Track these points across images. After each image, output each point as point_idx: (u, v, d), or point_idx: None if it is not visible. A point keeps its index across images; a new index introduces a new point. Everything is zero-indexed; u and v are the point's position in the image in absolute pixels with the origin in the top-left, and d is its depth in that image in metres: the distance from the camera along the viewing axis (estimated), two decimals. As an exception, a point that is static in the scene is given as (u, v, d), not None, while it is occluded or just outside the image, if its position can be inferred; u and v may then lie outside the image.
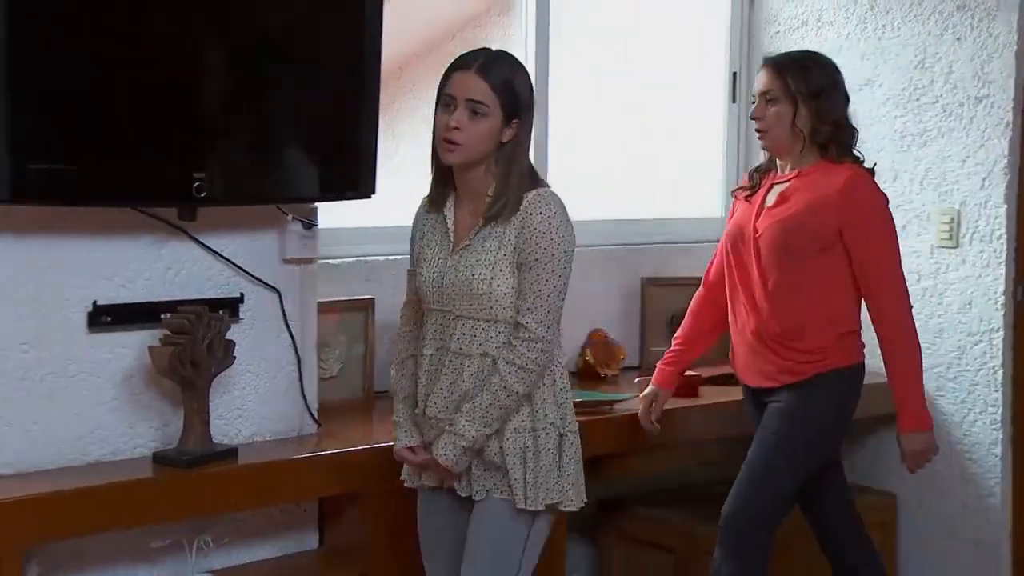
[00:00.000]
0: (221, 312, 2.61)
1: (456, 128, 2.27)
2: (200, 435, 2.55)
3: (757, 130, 2.84)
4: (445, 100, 2.31)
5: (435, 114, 2.33)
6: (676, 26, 4.03)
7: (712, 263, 3.03)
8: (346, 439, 2.81)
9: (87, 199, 2.47)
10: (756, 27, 3.99)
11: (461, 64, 2.32)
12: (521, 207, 2.30)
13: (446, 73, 2.33)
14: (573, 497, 2.38)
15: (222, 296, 2.69)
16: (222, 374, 2.61)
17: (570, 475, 2.37)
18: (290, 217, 2.76)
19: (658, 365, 3.04)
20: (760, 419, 2.86)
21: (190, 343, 2.51)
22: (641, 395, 3.01)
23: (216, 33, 2.54)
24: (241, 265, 2.72)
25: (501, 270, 2.30)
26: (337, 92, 2.69)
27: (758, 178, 2.90)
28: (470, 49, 2.40)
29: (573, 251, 2.34)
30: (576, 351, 3.54)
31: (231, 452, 2.59)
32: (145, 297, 2.60)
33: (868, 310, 2.80)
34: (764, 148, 2.89)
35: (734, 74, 3.98)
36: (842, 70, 2.87)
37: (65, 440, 2.52)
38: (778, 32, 3.92)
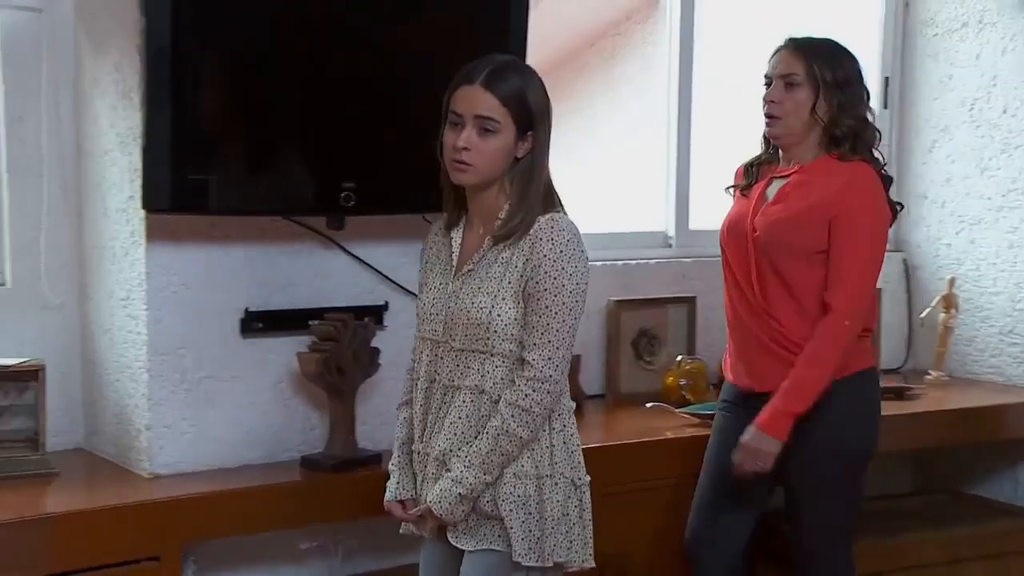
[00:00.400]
0: (366, 320, 2.66)
1: (465, 148, 2.08)
2: (346, 440, 2.60)
3: (769, 115, 2.59)
4: (452, 118, 2.11)
5: (441, 132, 2.13)
6: (825, 29, 3.91)
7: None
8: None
9: (241, 209, 2.55)
10: (911, 29, 3.83)
11: (465, 78, 2.10)
12: (531, 231, 2.09)
13: (450, 87, 2.13)
14: (582, 555, 2.16)
15: (368, 304, 2.73)
16: (367, 380, 2.65)
17: (581, 531, 2.16)
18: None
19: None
20: (730, 425, 2.63)
21: (337, 350, 2.56)
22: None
23: (365, 44, 2.59)
24: (386, 273, 2.77)
25: (504, 299, 2.09)
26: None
27: (755, 171, 2.68)
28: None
29: (586, 285, 2.12)
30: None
31: (375, 457, 2.62)
32: (294, 304, 2.67)
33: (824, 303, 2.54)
34: (772, 136, 2.63)
35: (886, 79, 3.84)
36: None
37: (219, 442, 2.60)
38: (936, 35, 3.76)
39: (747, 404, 2.62)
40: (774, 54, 2.63)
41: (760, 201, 2.62)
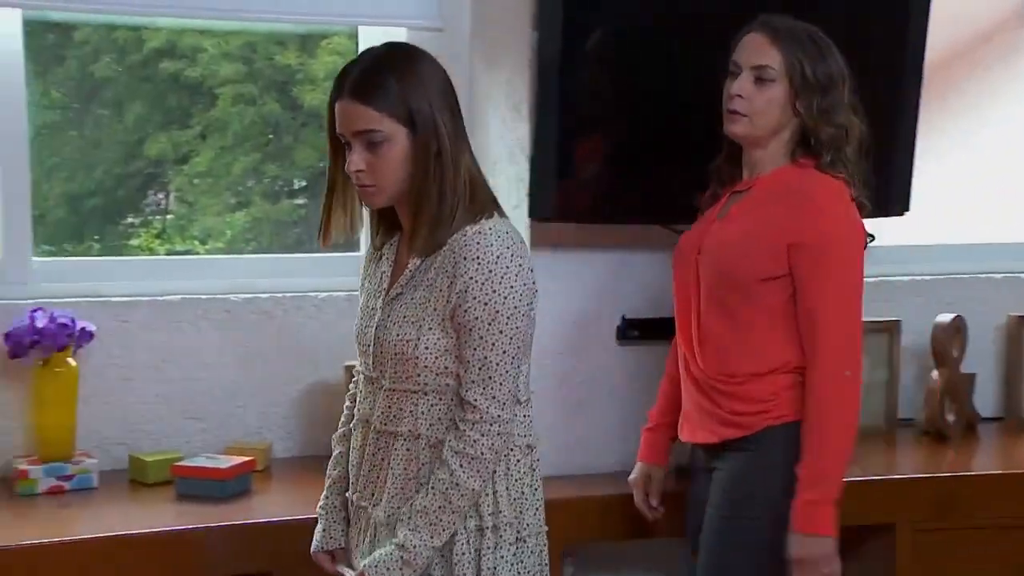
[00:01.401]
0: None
1: (360, 171, 1.80)
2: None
3: (732, 111, 2.13)
4: (341, 140, 1.83)
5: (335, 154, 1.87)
6: None
7: None
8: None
9: (622, 218, 2.57)
10: None
11: (338, 90, 1.81)
12: (452, 247, 1.78)
13: (331, 106, 1.83)
14: None
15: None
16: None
17: None
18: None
19: (643, 432, 2.39)
20: (700, 487, 2.22)
21: (714, 360, 2.51)
22: (630, 480, 2.39)
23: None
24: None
25: (430, 328, 1.79)
26: (874, 104, 2.56)
27: (716, 186, 2.25)
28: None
29: (529, 303, 1.79)
30: None
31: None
32: (671, 313, 2.65)
33: (806, 369, 2.07)
34: (732, 134, 2.16)
35: None
36: None
37: (593, 447, 2.64)
38: None
39: (701, 458, 2.22)
40: (743, 35, 2.16)
41: (713, 219, 2.20)
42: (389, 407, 1.85)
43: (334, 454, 2.01)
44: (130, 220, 3.38)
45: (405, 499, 1.83)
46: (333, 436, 2.03)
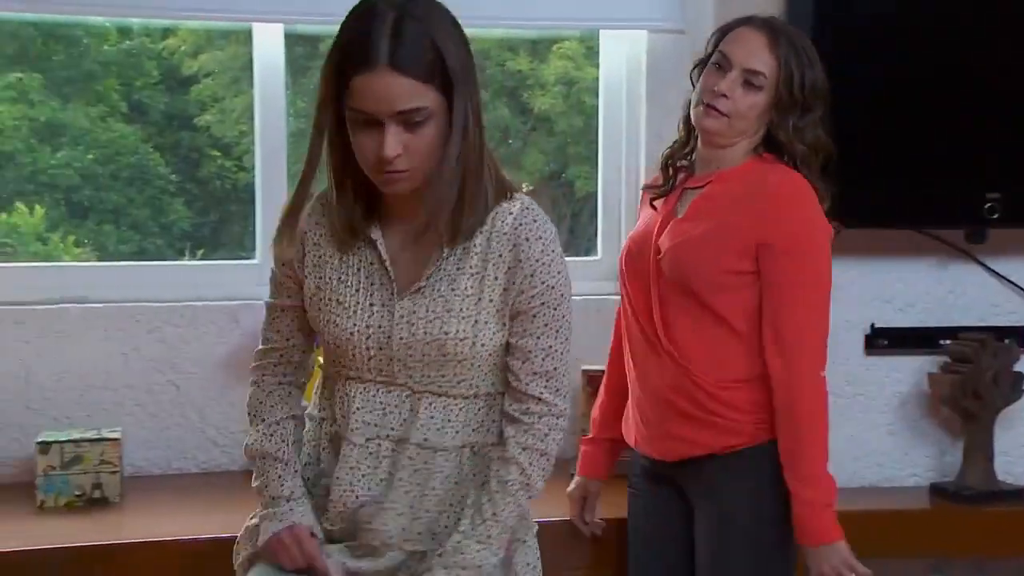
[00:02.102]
0: (1007, 341, 2.44)
1: (398, 156, 1.52)
2: (983, 471, 2.41)
3: (712, 107, 1.96)
4: (361, 118, 1.51)
5: (352, 134, 1.54)
6: None
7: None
8: None
9: (874, 222, 2.47)
10: None
11: (364, 59, 1.48)
12: (497, 226, 1.59)
13: (345, 77, 1.49)
14: None
15: (1008, 324, 2.52)
16: (1008, 407, 2.43)
17: None
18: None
19: (581, 445, 2.21)
20: (654, 507, 2.05)
21: (973, 373, 2.39)
22: (568, 493, 2.19)
23: (1011, 49, 2.39)
24: (1030, 292, 2.54)
25: (487, 323, 1.60)
26: None
27: (673, 176, 2.06)
28: None
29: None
30: None
31: (1016, 493, 2.40)
32: (923, 322, 2.54)
33: (771, 370, 1.92)
34: (707, 129, 1.98)
35: None
36: None
37: (840, 460, 2.53)
38: None
39: (662, 477, 2.05)
40: (736, 28, 2.00)
41: (669, 216, 2.03)
42: (433, 418, 1.62)
43: (263, 439, 1.70)
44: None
45: (442, 523, 1.63)
46: (254, 424, 1.71)
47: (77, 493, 2.33)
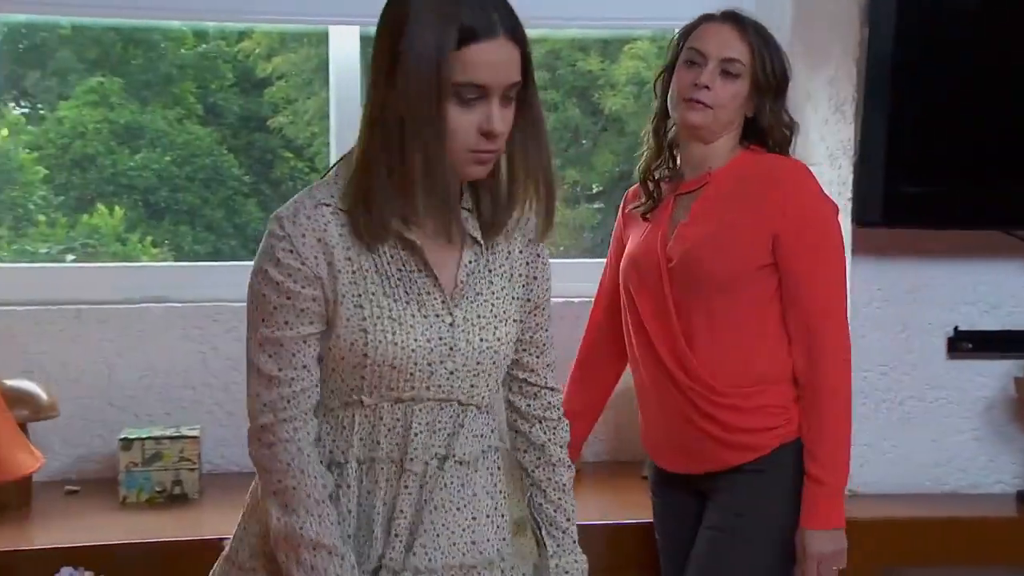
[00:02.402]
0: (1097, 345, 2.38)
1: (497, 133, 1.40)
2: (1072, 479, 2.34)
3: (695, 100, 1.95)
4: (467, 92, 1.39)
5: (446, 113, 1.38)
6: None
7: (599, 297, 2.20)
8: None
9: (957, 222, 2.42)
10: None
11: (486, 28, 1.38)
12: (516, 221, 1.49)
13: (449, 50, 1.37)
14: None
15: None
16: (1098, 414, 2.37)
17: None
18: None
19: None
20: (673, 513, 2.05)
21: (1062, 377, 2.32)
22: None
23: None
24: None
25: (511, 321, 1.52)
26: None
27: (655, 189, 2.05)
28: None
29: None
30: None
31: (1107, 502, 2.34)
32: (1009, 324, 2.48)
33: (794, 352, 1.93)
34: (692, 124, 1.96)
35: None
36: None
37: (922, 466, 2.50)
38: None
39: (678, 482, 2.03)
40: (703, 23, 2.01)
41: (670, 224, 2.00)
42: (473, 429, 1.51)
43: (316, 525, 1.43)
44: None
45: (485, 535, 1.51)
46: (297, 510, 1.42)
47: (158, 489, 2.37)
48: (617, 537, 2.20)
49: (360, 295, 1.43)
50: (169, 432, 2.43)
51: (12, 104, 3.08)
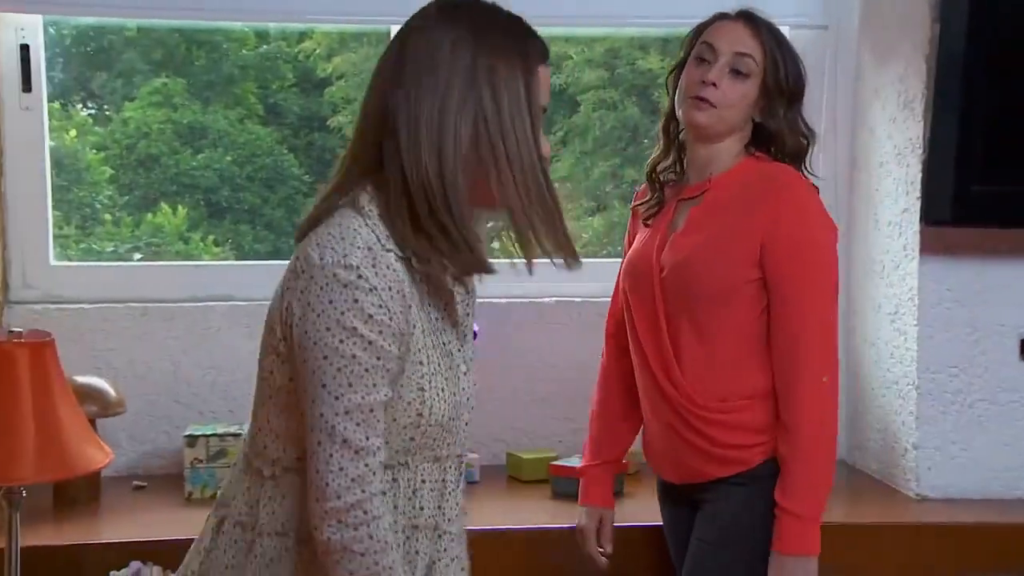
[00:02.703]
0: None
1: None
2: None
3: (701, 98, 1.87)
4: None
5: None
6: None
7: (612, 308, 2.11)
8: None
9: (1027, 221, 2.37)
10: None
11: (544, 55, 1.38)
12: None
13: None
14: None
15: None
16: None
17: None
18: None
19: (586, 471, 2.10)
20: (674, 524, 2.02)
21: None
22: (583, 527, 2.08)
23: None
24: None
25: None
26: None
27: (661, 190, 1.97)
28: None
29: None
30: None
31: None
32: (1083, 327, 2.42)
33: (776, 375, 1.86)
34: (697, 123, 1.89)
35: None
36: None
37: (993, 470, 2.45)
38: None
39: (675, 493, 2.01)
40: (716, 21, 1.93)
41: (667, 231, 1.94)
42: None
43: None
44: (490, 224, 3.50)
45: None
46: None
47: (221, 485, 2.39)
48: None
49: (420, 350, 1.36)
50: (233, 429, 2.45)
51: (80, 105, 3.12)
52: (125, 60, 3.10)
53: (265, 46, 3.25)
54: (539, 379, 2.74)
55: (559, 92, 3.28)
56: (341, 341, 1.28)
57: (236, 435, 2.41)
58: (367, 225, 1.32)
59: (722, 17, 1.93)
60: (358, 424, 1.29)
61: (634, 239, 2.03)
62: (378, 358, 1.30)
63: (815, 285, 1.85)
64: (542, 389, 2.73)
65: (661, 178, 1.97)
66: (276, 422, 1.36)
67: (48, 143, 2.64)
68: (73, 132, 3.04)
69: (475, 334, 1.48)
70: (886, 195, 2.56)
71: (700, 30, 1.94)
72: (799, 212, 1.85)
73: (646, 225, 1.98)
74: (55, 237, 2.71)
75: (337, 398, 1.29)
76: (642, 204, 2.00)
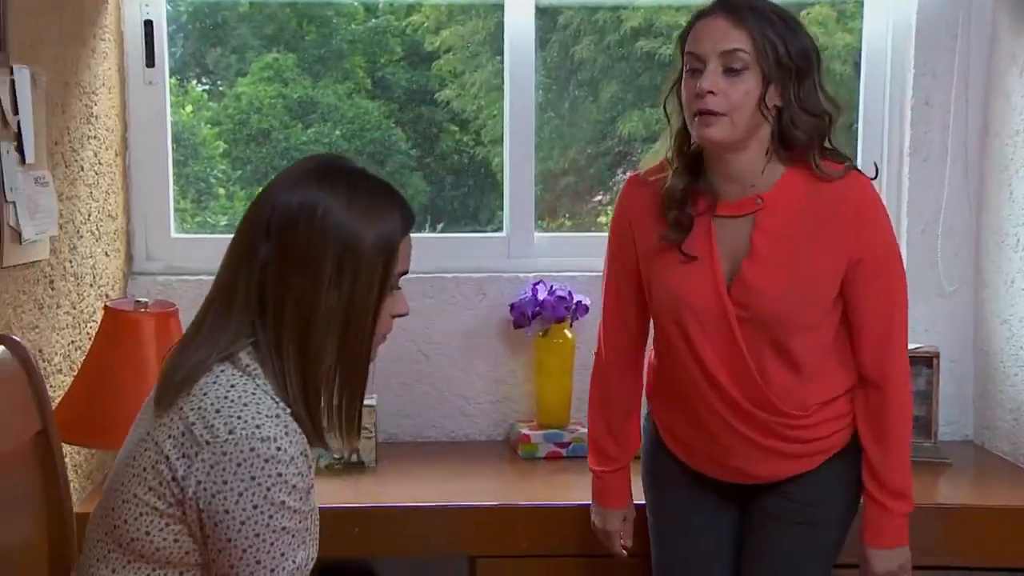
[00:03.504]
0: None
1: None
2: None
3: (705, 111, 1.74)
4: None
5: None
6: None
7: (614, 322, 1.98)
8: None
9: None
10: None
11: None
12: None
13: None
14: None
15: None
16: None
17: None
18: None
19: (606, 475, 2.04)
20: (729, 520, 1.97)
21: None
22: (609, 529, 2.05)
23: None
24: None
25: None
26: None
27: (688, 211, 1.83)
28: None
29: None
30: None
31: None
32: None
33: (863, 365, 1.86)
34: (710, 141, 1.76)
35: None
36: None
37: None
38: None
39: (734, 488, 1.96)
40: (695, 23, 1.79)
41: (726, 259, 1.83)
42: None
43: None
44: (599, 198, 3.46)
45: None
46: None
47: (336, 457, 2.41)
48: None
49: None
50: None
51: (195, 81, 3.17)
52: (238, 36, 3.14)
53: (374, 20, 3.26)
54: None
55: (669, 63, 3.20)
56: (271, 517, 1.31)
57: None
58: (259, 387, 1.35)
59: (700, 16, 1.80)
60: None
61: (632, 245, 1.91)
62: (304, 521, 1.35)
63: (901, 296, 1.85)
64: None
65: (688, 209, 1.84)
66: (126, 570, 1.36)
67: (169, 118, 2.68)
68: (189, 108, 3.08)
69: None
70: (1022, 164, 2.44)
71: (684, 38, 1.82)
72: (877, 221, 1.82)
73: (682, 252, 1.84)
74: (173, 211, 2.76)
75: (273, 570, 1.32)
76: (667, 236, 1.85)
